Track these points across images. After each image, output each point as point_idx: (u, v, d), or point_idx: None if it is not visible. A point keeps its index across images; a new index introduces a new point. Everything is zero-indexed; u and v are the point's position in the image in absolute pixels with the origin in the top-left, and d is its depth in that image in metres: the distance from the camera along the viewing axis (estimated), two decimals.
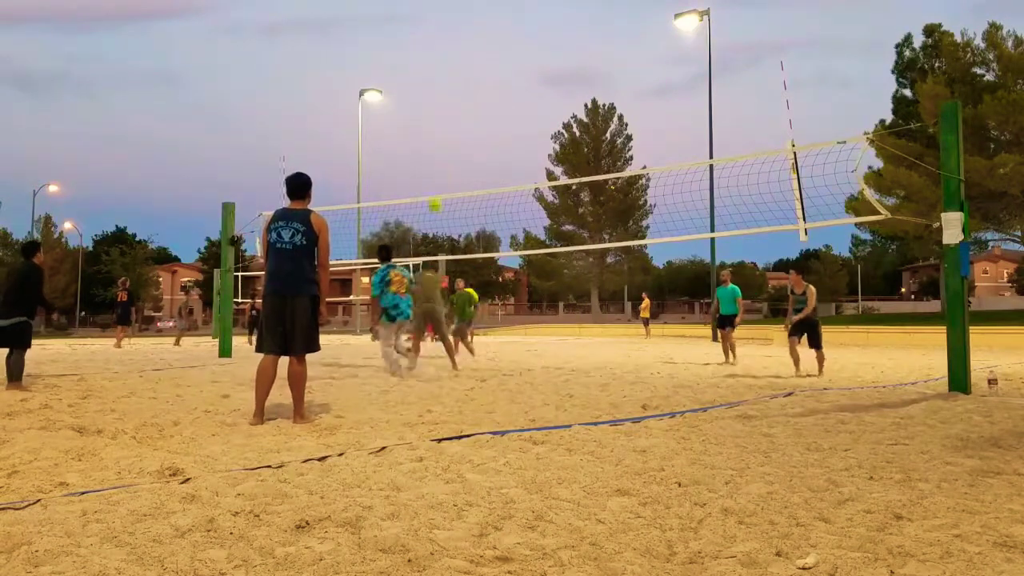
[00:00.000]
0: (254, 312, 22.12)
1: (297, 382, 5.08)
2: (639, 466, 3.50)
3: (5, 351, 7.75)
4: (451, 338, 10.63)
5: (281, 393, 6.85)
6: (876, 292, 76.84)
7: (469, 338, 13.25)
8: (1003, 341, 18.64)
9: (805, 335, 9.62)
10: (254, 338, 21.90)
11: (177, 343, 19.97)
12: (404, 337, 9.90)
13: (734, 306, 12.00)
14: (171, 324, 57.97)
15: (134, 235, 68.13)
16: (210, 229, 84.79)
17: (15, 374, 7.52)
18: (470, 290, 13.36)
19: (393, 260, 9.62)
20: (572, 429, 4.56)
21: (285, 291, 5.01)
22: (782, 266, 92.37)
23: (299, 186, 5.27)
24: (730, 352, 11.76)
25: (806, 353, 9.73)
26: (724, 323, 12.08)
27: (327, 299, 5.17)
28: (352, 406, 5.86)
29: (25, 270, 7.72)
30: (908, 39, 34.18)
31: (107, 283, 56.58)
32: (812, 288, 9.59)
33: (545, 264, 51.87)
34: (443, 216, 12.36)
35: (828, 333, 23.68)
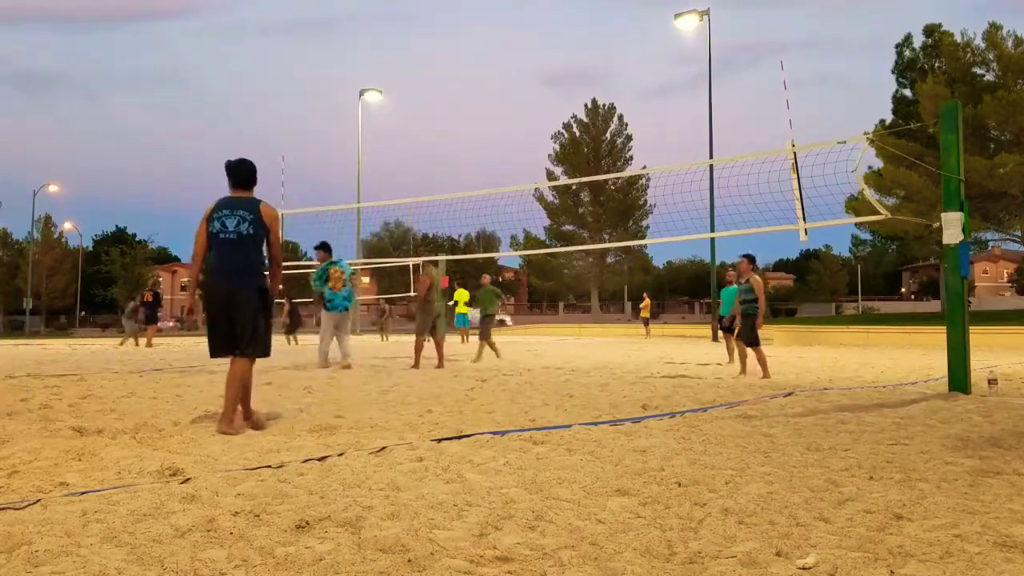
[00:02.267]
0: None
1: (232, 383, 4.64)
2: (639, 466, 3.50)
3: None
4: (446, 337, 10.78)
5: (279, 394, 6.86)
6: (876, 292, 76.85)
7: (475, 338, 13.52)
8: (1003, 341, 18.64)
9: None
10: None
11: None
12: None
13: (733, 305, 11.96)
14: (171, 324, 58.00)
15: (134, 235, 68.17)
16: None
17: None
18: (493, 287, 13.71)
19: (337, 256, 10.21)
20: (572, 429, 4.56)
21: (230, 284, 4.56)
22: (781, 265, 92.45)
23: (245, 173, 4.77)
24: (734, 353, 11.71)
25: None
26: (724, 326, 12.09)
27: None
28: (352, 406, 5.86)
29: None
30: (908, 39, 34.21)
31: (107, 283, 56.60)
32: (758, 279, 9.22)
33: (545, 264, 51.89)
34: (443, 216, 12.40)
35: (828, 333, 23.84)
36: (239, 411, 4.69)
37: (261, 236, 4.64)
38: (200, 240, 4.66)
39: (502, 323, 44.24)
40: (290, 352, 15.86)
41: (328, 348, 10.17)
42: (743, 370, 9.22)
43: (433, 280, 10.38)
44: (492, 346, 13.13)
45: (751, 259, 9.55)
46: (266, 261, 4.80)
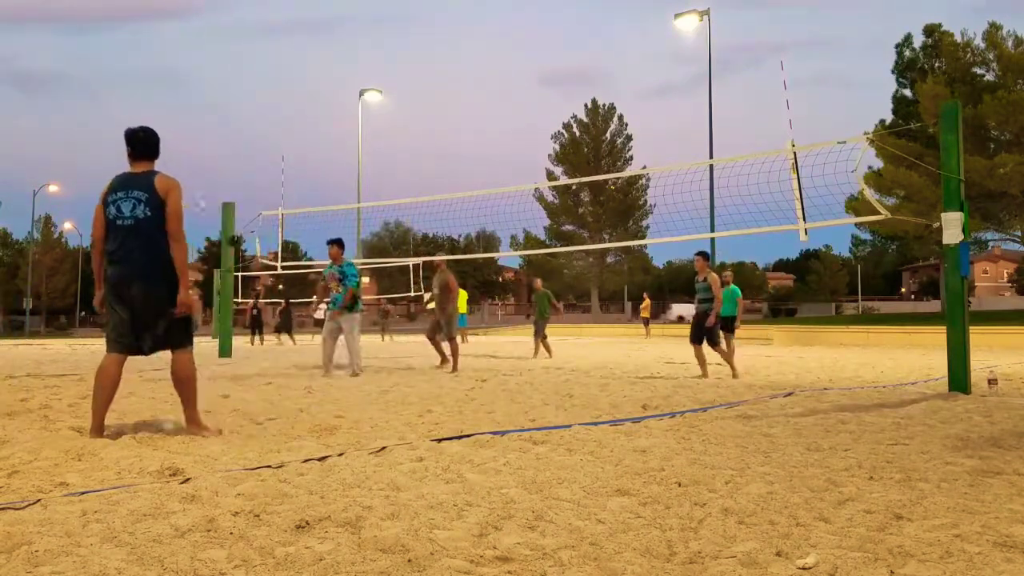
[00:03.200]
0: (255, 311, 22.05)
1: (179, 384, 4.37)
2: (639, 466, 3.50)
3: None
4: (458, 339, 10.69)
5: (279, 394, 6.86)
6: (876, 292, 76.80)
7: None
8: (1003, 341, 18.64)
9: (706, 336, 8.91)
10: (256, 338, 21.82)
11: None
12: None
13: (734, 307, 11.85)
14: None
15: None
16: (210, 229, 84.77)
17: None
18: (546, 290, 14.07)
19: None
20: (572, 429, 4.55)
21: (129, 276, 4.13)
22: (781, 265, 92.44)
23: (140, 143, 4.24)
24: (734, 354, 11.63)
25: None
26: (724, 326, 11.93)
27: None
28: (352, 406, 5.86)
29: None
30: (908, 39, 34.21)
31: None
32: (715, 276, 8.98)
33: (545, 264, 51.86)
34: (443, 216, 12.41)
35: (828, 333, 23.83)
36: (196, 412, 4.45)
37: (160, 215, 4.12)
38: (96, 226, 4.23)
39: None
40: (290, 352, 15.87)
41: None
42: (734, 373, 9.11)
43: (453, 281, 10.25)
44: (546, 346, 13.45)
45: (705, 256, 9.27)
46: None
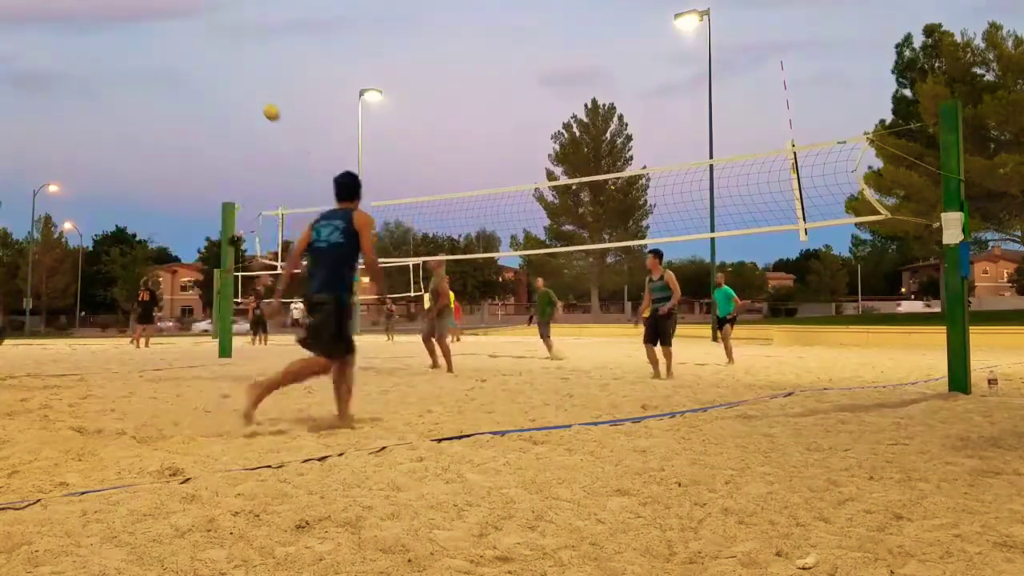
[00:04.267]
0: (258, 311, 21.88)
1: (338, 387, 4.94)
2: (639, 466, 3.50)
3: None
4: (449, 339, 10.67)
5: (280, 394, 6.85)
6: (876, 292, 76.82)
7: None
8: (1003, 341, 18.64)
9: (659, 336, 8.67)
10: (258, 338, 21.69)
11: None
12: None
13: (730, 306, 12.29)
14: (170, 324, 57.97)
15: (134, 235, 68.14)
16: (210, 229, 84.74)
17: None
18: (547, 289, 14.04)
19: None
20: (572, 429, 4.55)
21: (314, 291, 4.82)
22: (781, 265, 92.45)
23: (341, 187, 5.00)
24: (732, 353, 11.80)
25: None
26: (722, 324, 12.37)
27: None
28: (352, 406, 5.85)
29: None
30: (908, 39, 34.21)
31: (107, 283, 56.63)
32: (671, 274, 8.75)
33: (545, 264, 51.89)
34: (444, 216, 12.41)
35: (828, 333, 23.82)
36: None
37: (353, 244, 4.80)
38: (298, 243, 5.06)
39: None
40: (288, 352, 15.87)
41: None
42: (730, 359, 9.02)
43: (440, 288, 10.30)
44: (548, 344, 13.42)
45: (658, 255, 9.05)
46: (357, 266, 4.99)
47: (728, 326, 12.28)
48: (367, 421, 5.06)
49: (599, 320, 50.23)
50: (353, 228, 4.78)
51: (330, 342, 4.80)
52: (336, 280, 4.77)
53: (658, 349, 8.86)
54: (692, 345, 19.95)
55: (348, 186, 4.99)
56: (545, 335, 13.84)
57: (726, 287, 12.47)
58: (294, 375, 4.83)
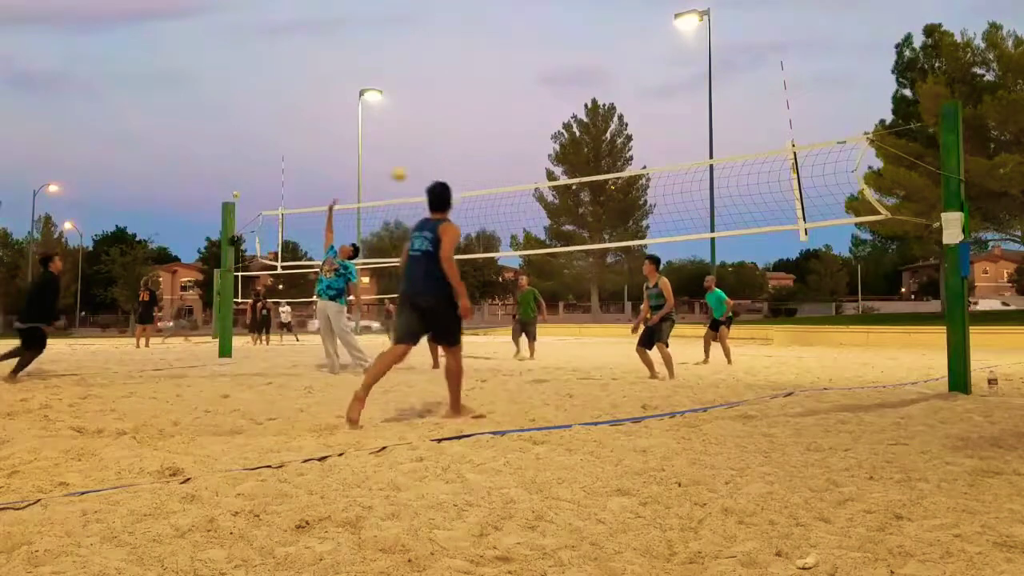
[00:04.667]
0: (265, 311, 21.77)
1: (449, 376, 5.35)
2: (639, 466, 3.50)
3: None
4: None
5: (280, 394, 6.86)
6: (876, 292, 76.79)
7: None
8: (1003, 341, 18.64)
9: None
10: (261, 337, 21.60)
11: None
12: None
13: (723, 308, 12.32)
14: (171, 324, 57.98)
15: (134, 235, 68.11)
16: (210, 229, 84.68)
17: (16, 369, 8.04)
18: (531, 288, 13.84)
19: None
20: (572, 429, 4.55)
21: (415, 290, 5.32)
22: (781, 265, 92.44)
23: (433, 196, 5.53)
24: (727, 354, 11.81)
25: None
26: (715, 326, 12.34)
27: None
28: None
29: (40, 280, 8.48)
30: (908, 39, 34.20)
31: (107, 283, 56.61)
32: (665, 281, 8.78)
33: (545, 264, 51.87)
34: None
35: (828, 333, 23.81)
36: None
37: (438, 250, 5.28)
38: (403, 255, 5.61)
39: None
40: (287, 351, 15.87)
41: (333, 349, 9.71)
42: (728, 359, 9.03)
43: None
44: (531, 347, 13.25)
45: (654, 261, 9.08)
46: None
47: (724, 328, 12.25)
48: (367, 421, 5.06)
49: (599, 320, 50.22)
50: (438, 237, 5.28)
51: (455, 333, 5.38)
52: (434, 281, 5.26)
53: (656, 352, 8.88)
54: (692, 345, 19.92)
55: (439, 196, 5.50)
56: (532, 335, 13.57)
57: (717, 290, 12.48)
58: (454, 375, 5.36)
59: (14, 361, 8.09)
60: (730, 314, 12.51)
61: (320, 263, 10.19)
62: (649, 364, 8.87)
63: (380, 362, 5.32)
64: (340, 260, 9.77)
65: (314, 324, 9.17)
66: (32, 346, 8.11)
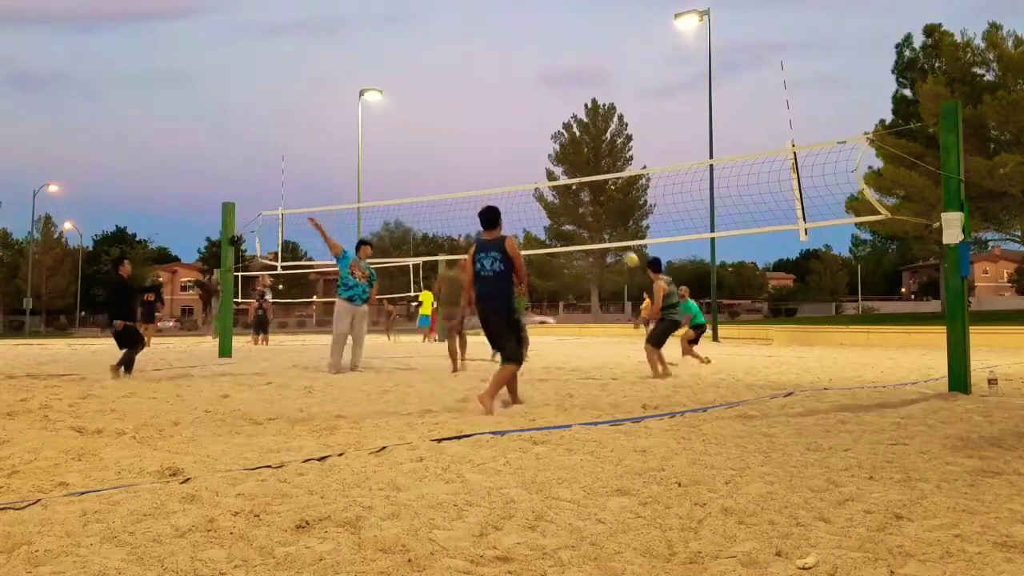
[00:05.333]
0: (260, 311, 21.73)
1: (497, 375, 5.77)
2: (639, 466, 3.50)
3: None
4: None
5: (280, 394, 6.86)
6: (876, 292, 76.77)
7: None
8: (1003, 341, 18.64)
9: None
10: (259, 338, 21.60)
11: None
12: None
13: (700, 317, 12.37)
14: (171, 324, 57.96)
15: (134, 235, 68.16)
16: (210, 229, 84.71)
17: (126, 367, 8.78)
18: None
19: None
20: (572, 429, 4.55)
21: (486, 307, 5.90)
22: (781, 265, 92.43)
23: (484, 219, 6.04)
24: (687, 353, 11.78)
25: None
26: (698, 332, 12.28)
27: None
28: (352, 406, 5.86)
29: (110, 282, 9.23)
30: (908, 39, 34.20)
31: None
32: (658, 284, 8.91)
33: (545, 264, 51.87)
34: (443, 216, 12.41)
35: (828, 333, 23.81)
36: (497, 395, 5.69)
37: (510, 267, 5.86)
38: (466, 273, 6.26)
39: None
40: (287, 351, 15.87)
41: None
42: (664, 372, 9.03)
43: (451, 289, 10.16)
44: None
45: (652, 265, 9.22)
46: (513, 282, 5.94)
47: (693, 333, 12.13)
48: (367, 421, 5.06)
49: (599, 320, 50.23)
50: (508, 255, 5.84)
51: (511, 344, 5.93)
52: (503, 296, 5.89)
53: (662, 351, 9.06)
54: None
55: (489, 218, 6.03)
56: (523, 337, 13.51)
57: (690, 301, 12.20)
58: (502, 382, 5.76)
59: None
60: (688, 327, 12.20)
61: (325, 265, 10.16)
62: (651, 363, 8.91)
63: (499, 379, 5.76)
64: (363, 263, 9.71)
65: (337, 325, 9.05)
66: (123, 344, 8.79)
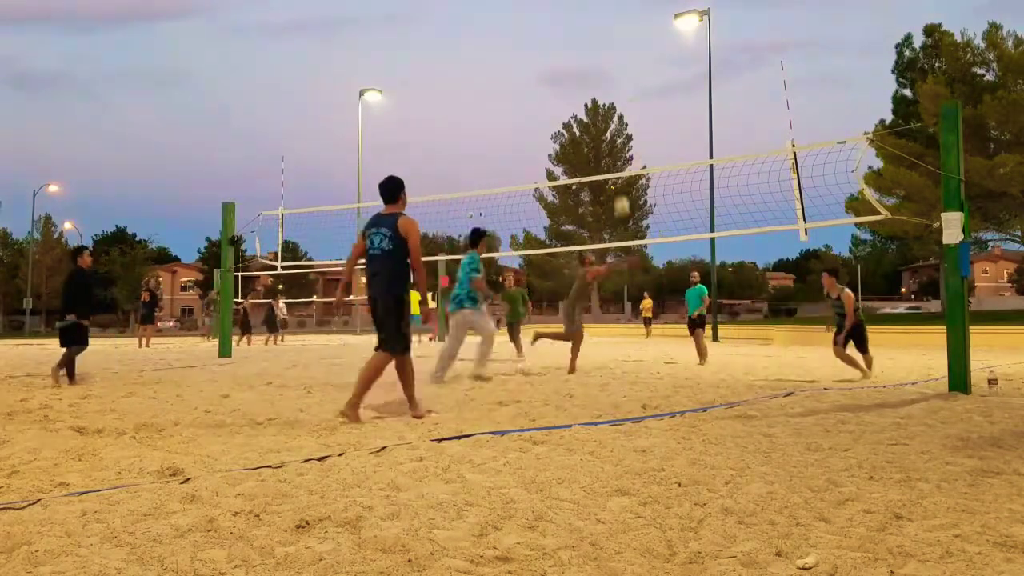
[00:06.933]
0: (244, 312, 21.67)
1: (363, 372, 5.25)
2: (639, 466, 3.50)
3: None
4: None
5: (280, 394, 6.86)
6: (876, 292, 76.78)
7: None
8: (1003, 341, 18.63)
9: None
10: (248, 338, 21.59)
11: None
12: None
13: (699, 304, 11.83)
14: (171, 324, 57.93)
15: (134, 235, 68.12)
16: (210, 229, 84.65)
17: (67, 371, 7.96)
18: (519, 287, 13.62)
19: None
20: (572, 429, 4.55)
21: (374, 292, 5.30)
22: (781, 266, 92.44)
23: (385, 190, 5.49)
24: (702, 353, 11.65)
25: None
26: (693, 325, 11.90)
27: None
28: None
29: (69, 274, 8.31)
30: (908, 39, 34.18)
31: (107, 283, 56.57)
32: (847, 293, 8.68)
33: (545, 264, 51.86)
34: (443, 216, 12.40)
35: (828, 333, 23.73)
36: (361, 400, 5.20)
37: (400, 248, 5.21)
38: (354, 251, 5.65)
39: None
40: (288, 351, 15.87)
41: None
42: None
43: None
44: (518, 346, 13.20)
45: (833, 272, 8.92)
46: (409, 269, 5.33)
47: (699, 329, 11.82)
48: (367, 421, 5.06)
49: (599, 320, 50.23)
50: (399, 233, 5.20)
51: (392, 336, 5.25)
52: (390, 278, 5.24)
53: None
54: (692, 345, 19.90)
55: (387, 189, 5.43)
56: (515, 337, 13.45)
57: (700, 285, 11.92)
58: (369, 378, 5.22)
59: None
60: (703, 312, 12.00)
61: (325, 265, 9.92)
62: (851, 363, 8.68)
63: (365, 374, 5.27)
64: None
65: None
66: (67, 342, 7.93)
